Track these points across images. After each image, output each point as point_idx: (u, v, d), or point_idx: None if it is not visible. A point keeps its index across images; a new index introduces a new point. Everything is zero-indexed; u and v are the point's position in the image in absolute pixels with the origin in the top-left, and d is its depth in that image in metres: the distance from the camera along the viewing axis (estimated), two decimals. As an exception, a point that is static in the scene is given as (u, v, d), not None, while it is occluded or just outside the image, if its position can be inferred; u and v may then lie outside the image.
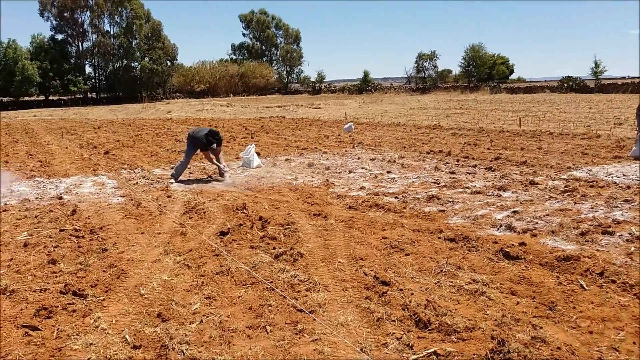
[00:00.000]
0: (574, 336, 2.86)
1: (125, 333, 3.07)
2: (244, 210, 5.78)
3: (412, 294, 3.47)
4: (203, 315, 3.31)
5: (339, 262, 4.12)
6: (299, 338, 2.99)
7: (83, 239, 4.99)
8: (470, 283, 3.62)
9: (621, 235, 4.47)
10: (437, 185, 6.98)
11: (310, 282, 3.74)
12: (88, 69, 60.20)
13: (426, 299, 3.34)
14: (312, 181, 7.61)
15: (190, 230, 5.17)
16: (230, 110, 30.25)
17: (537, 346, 2.73)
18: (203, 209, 5.90)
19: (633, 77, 43.44)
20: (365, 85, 61.42)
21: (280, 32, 75.94)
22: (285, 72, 75.51)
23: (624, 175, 7.22)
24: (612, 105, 24.34)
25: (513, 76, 65.36)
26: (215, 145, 7.90)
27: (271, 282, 3.78)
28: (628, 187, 6.39)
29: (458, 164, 8.64)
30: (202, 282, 3.85)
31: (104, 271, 4.10)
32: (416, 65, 61.80)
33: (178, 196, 6.81)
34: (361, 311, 3.27)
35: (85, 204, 6.49)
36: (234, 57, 74.46)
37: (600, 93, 40.74)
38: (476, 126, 15.53)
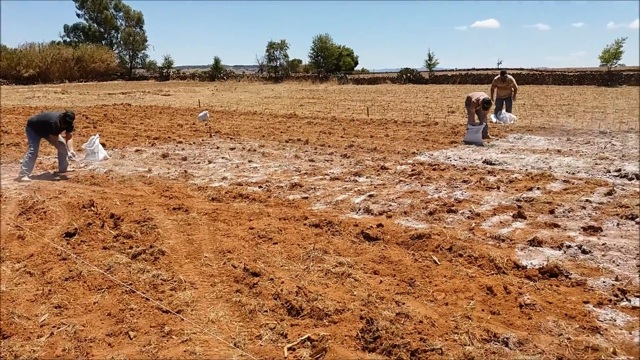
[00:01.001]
0: (432, 309, 3.10)
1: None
2: (92, 208, 5.25)
3: (282, 282, 3.47)
4: (53, 327, 2.93)
5: (205, 256, 3.95)
6: (167, 341, 2.80)
7: None
8: (336, 266, 3.73)
9: (463, 212, 4.99)
10: (298, 173, 7.09)
11: (174, 281, 3.53)
12: None
13: (297, 286, 3.36)
14: (168, 173, 7.21)
15: (30, 233, 4.55)
16: (66, 98, 27.31)
17: (402, 322, 2.90)
18: (43, 209, 5.23)
19: (460, 70, 48.84)
20: (217, 73, 60.06)
21: (121, 14, 70.43)
22: (128, 56, 70.35)
23: (460, 158, 8.08)
24: (445, 95, 27.10)
25: (358, 67, 69.09)
26: (67, 129, 7.06)
27: (130, 284, 3.49)
28: (464, 169, 7.16)
29: (316, 152, 8.88)
30: (50, 290, 3.40)
31: None
32: (267, 54, 62.08)
33: (11, 195, 5.95)
34: (232, 305, 3.17)
35: None
36: (68, 40, 67.31)
37: (434, 84, 45.10)
38: (329, 115, 16.12)
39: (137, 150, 9.17)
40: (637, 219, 4.63)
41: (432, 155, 8.42)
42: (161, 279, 3.56)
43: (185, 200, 5.59)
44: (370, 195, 5.75)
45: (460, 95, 25.66)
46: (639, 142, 9.33)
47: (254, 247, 4.14)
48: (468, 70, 49.82)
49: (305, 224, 4.71)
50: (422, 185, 6.20)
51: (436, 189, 6.00)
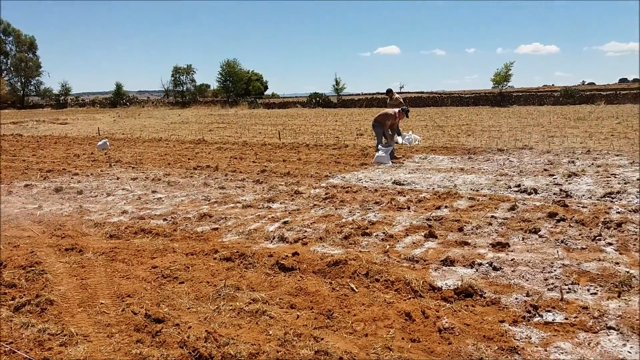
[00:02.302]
0: (352, 342, 2.94)
1: None
2: (-33, 254, 4.57)
3: (190, 327, 3.15)
4: None
5: (102, 303, 3.53)
6: (53, 411, 2.39)
7: None
8: (250, 303, 3.48)
9: (377, 234, 4.95)
10: (207, 202, 6.74)
11: (64, 335, 3.08)
12: None
13: (206, 331, 3.06)
14: (61, 209, 6.54)
15: None
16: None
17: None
18: None
19: (366, 94, 50.70)
20: (119, 99, 57.45)
21: (11, 39, 65.44)
22: (20, 84, 65.27)
23: (370, 179, 8.16)
24: (353, 118, 27.81)
25: (267, 92, 69.45)
26: None
27: (11, 342, 3.00)
28: (375, 190, 7.21)
29: (227, 179, 8.56)
30: None
31: None
32: (173, 78, 60.54)
33: None
34: (132, 358, 2.81)
35: None
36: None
37: (342, 107, 46.30)
38: (240, 140, 15.83)
39: (26, 185, 8.31)
40: (540, 233, 4.84)
41: (344, 177, 8.43)
42: (48, 334, 3.10)
43: (80, 239, 5.05)
44: (285, 222, 5.56)
45: (367, 118, 26.44)
46: (534, 158, 10.02)
47: (157, 289, 3.77)
48: (373, 94, 51.77)
49: (215, 258, 4.41)
50: (336, 209, 6.13)
51: (350, 212, 5.95)
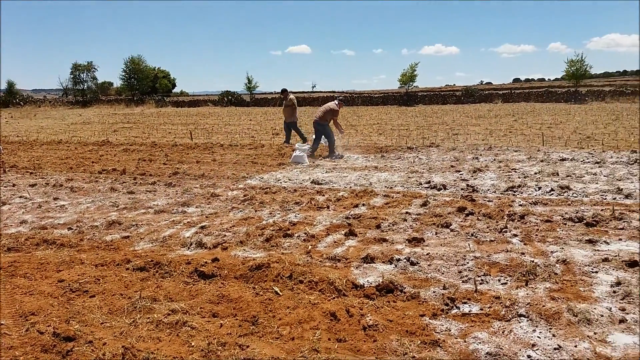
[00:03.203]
0: (279, 347, 2.90)
1: None
2: None
3: (104, 343, 2.93)
4: None
5: (2, 324, 3.18)
6: None
7: None
8: (169, 314, 3.31)
9: (299, 235, 4.93)
10: (116, 208, 6.35)
11: (-45, 365, 2.74)
12: None
13: (123, 346, 2.87)
14: (-55, 221, 5.85)
15: None
16: None
17: (249, 368, 2.64)
18: None
19: (279, 92, 50.77)
20: (11, 98, 52.74)
21: None
22: None
23: (289, 179, 8.14)
24: (268, 117, 27.68)
25: (176, 90, 67.20)
26: None
27: None
28: (295, 190, 7.20)
29: (136, 183, 8.14)
30: None
31: None
32: (72, 76, 56.68)
33: None
34: (39, 385, 2.56)
35: None
36: None
37: (255, 106, 45.91)
38: (148, 141, 15.14)
39: None
40: (451, 227, 5.08)
41: (262, 178, 8.34)
42: None
43: (-30, 255, 4.54)
44: (202, 227, 5.38)
45: (283, 117, 26.43)
46: (441, 155, 10.54)
47: (65, 305, 3.48)
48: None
49: (128, 269, 4.15)
50: (256, 211, 6.03)
51: (270, 213, 5.88)
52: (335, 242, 4.77)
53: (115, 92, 60.07)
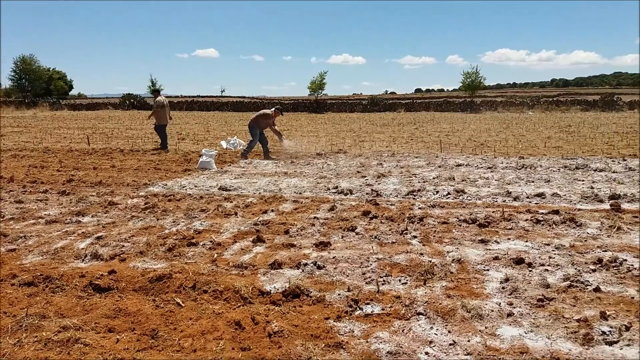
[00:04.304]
0: (180, 360, 2.78)
1: None
2: None
3: (-20, 370, 2.64)
4: None
5: None
6: None
7: None
8: (60, 331, 3.06)
9: (204, 244, 4.79)
10: (1, 219, 5.79)
11: None
12: None
13: (3, 372, 2.60)
14: None
15: None
16: None
17: (147, 384, 2.51)
18: None
19: (186, 96, 49.37)
20: None
21: None
22: None
23: (195, 186, 7.91)
24: (173, 121, 26.70)
25: (73, 92, 63.06)
26: None
27: None
28: (201, 197, 7.00)
29: (25, 191, 7.48)
30: None
31: None
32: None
33: None
34: None
35: None
36: None
37: (160, 111, 44.19)
38: (40, 146, 14.02)
39: None
40: (357, 230, 5.21)
41: (166, 185, 8.02)
42: None
43: None
44: (99, 237, 5.05)
45: (188, 122, 25.73)
46: (348, 162, 10.80)
47: None
48: (194, 97, 50.66)
49: (13, 285, 3.79)
50: (157, 219, 5.78)
51: (174, 222, 5.67)
52: (242, 249, 4.69)
53: (3, 93, 55.03)
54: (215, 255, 4.50)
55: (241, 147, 13.58)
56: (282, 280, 3.89)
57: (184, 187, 7.87)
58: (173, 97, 50.81)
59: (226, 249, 4.70)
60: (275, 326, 3.13)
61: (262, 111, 11.76)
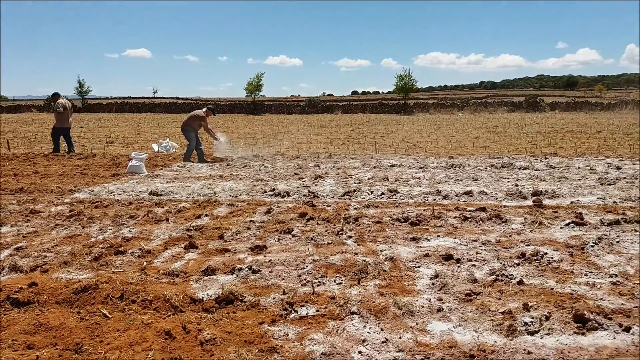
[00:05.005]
0: (106, 374, 2.65)
1: None
2: None
3: None
4: None
5: None
6: None
7: None
8: (-30, 353, 2.84)
9: (133, 252, 4.60)
10: None
11: None
12: None
13: None
14: None
15: None
16: None
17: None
18: None
19: (116, 98, 47.44)
20: None
21: None
22: None
23: (124, 192, 7.60)
24: (102, 124, 25.64)
25: (-8, 94, 59.02)
26: None
27: None
28: (130, 203, 6.74)
29: None
30: None
31: None
32: None
33: None
34: None
35: None
36: None
37: (88, 112, 42.29)
38: (-47, 151, 12.99)
39: None
40: (293, 232, 5.19)
41: (92, 191, 7.66)
42: None
43: None
44: (18, 248, 4.73)
45: (118, 124, 24.76)
46: (286, 163, 10.77)
47: None
48: (124, 98, 48.92)
49: None
50: (83, 227, 5.50)
51: (101, 230, 5.41)
52: (173, 256, 4.55)
53: None
54: (145, 263, 4.34)
55: (174, 150, 13.23)
56: (215, 287, 3.80)
57: (112, 192, 7.54)
58: (102, 98, 48.71)
59: (156, 256, 4.54)
60: (208, 334, 3.06)
61: (193, 112, 11.59)
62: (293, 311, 3.36)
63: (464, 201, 6.73)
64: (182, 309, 3.43)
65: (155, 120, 32.04)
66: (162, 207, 6.46)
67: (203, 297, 3.61)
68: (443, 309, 3.36)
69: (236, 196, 7.23)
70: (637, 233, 5.03)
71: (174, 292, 3.62)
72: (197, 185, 8.13)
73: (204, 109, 11.69)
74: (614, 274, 3.91)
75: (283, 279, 3.96)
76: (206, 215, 6.02)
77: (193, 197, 7.14)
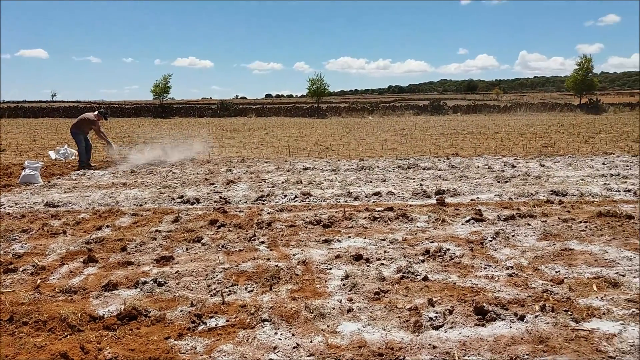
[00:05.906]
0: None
1: None
2: None
3: None
4: None
5: None
6: None
7: None
8: None
9: (25, 269, 4.22)
10: None
11: None
12: None
13: None
14: None
15: None
16: None
17: None
18: None
19: (9, 102, 43.64)
20: None
21: None
22: None
23: (16, 204, 6.98)
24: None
25: None
26: None
27: None
28: (23, 216, 6.19)
29: None
30: None
31: None
32: None
33: None
34: None
35: None
36: None
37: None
38: None
39: None
40: (203, 241, 5.03)
41: (-23, 204, 6.94)
42: None
43: None
44: None
45: (11, 130, 22.86)
46: (196, 169, 10.47)
47: None
48: (19, 102, 45.24)
49: None
50: (-35, 245, 4.96)
51: (-14, 247, 4.91)
52: (71, 272, 4.24)
53: None
54: (39, 280, 4.00)
55: (73, 157, 12.41)
56: (117, 303, 3.58)
57: (2, 205, 6.88)
58: (-9, 102, 44.59)
59: (52, 272, 4.20)
60: (109, 353, 2.87)
61: (83, 115, 11.23)
62: (202, 323, 3.25)
63: (373, 202, 6.91)
64: (80, 328, 3.19)
65: (53, 126, 29.86)
66: (59, 219, 6.00)
67: (104, 314, 3.38)
68: (353, 309, 3.41)
69: (141, 205, 6.90)
70: (530, 227, 5.45)
71: (72, 310, 3.36)
72: (98, 194, 7.66)
73: (96, 112, 11.40)
74: (510, 267, 4.19)
75: (191, 290, 3.82)
76: (107, 226, 5.68)
77: (93, 207, 6.71)
